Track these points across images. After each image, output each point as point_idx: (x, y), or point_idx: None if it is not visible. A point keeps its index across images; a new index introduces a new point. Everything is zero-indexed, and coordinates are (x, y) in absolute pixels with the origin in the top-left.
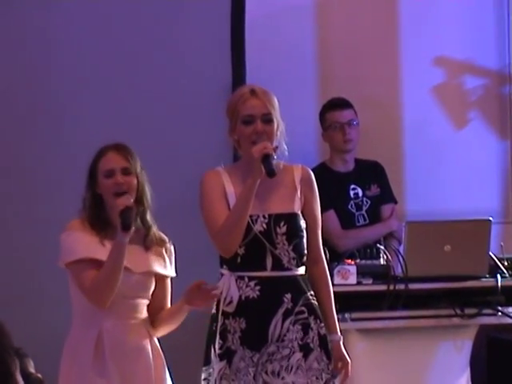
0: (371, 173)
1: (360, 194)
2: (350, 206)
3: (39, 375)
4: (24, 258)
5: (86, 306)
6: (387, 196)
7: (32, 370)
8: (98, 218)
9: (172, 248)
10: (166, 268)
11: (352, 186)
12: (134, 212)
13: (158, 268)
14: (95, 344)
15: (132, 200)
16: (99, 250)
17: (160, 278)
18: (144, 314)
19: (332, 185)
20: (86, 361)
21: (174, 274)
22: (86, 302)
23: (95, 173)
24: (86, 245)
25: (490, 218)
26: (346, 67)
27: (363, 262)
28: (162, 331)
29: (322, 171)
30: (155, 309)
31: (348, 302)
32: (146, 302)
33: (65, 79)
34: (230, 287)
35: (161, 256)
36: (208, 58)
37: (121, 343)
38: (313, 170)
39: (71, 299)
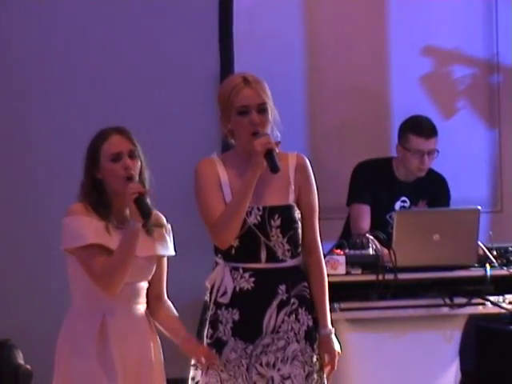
0: (427, 188)
1: (407, 207)
2: (388, 216)
3: (28, 367)
4: (17, 249)
5: (89, 291)
6: None
7: (21, 361)
8: (101, 204)
9: (170, 226)
10: (168, 248)
11: (402, 198)
12: (147, 197)
13: (162, 250)
14: (99, 328)
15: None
16: (106, 236)
17: (159, 258)
18: (144, 297)
19: (384, 188)
20: (89, 345)
21: (173, 253)
22: (89, 287)
23: (97, 157)
24: (94, 230)
25: (479, 208)
26: (334, 57)
27: (352, 251)
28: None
29: (384, 167)
30: (151, 288)
31: (337, 292)
32: (146, 285)
33: (54, 70)
34: (224, 278)
35: (163, 237)
36: (196, 47)
37: (124, 327)
38: (378, 160)
39: (71, 284)
